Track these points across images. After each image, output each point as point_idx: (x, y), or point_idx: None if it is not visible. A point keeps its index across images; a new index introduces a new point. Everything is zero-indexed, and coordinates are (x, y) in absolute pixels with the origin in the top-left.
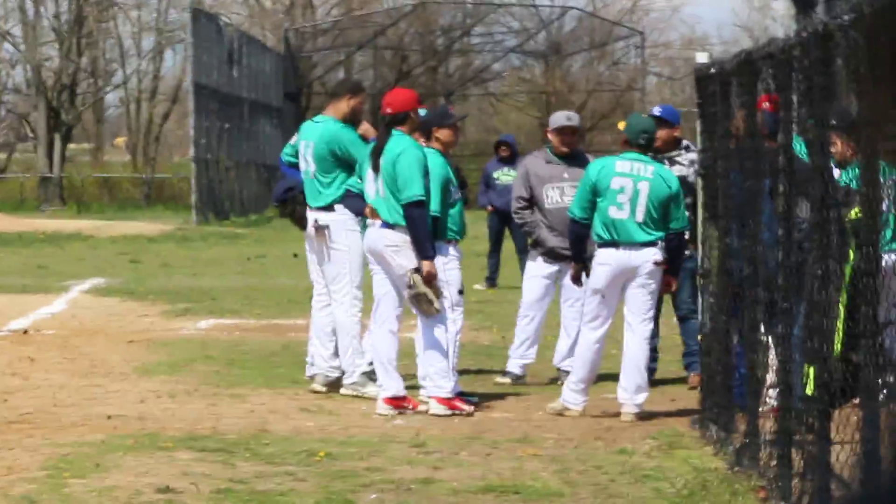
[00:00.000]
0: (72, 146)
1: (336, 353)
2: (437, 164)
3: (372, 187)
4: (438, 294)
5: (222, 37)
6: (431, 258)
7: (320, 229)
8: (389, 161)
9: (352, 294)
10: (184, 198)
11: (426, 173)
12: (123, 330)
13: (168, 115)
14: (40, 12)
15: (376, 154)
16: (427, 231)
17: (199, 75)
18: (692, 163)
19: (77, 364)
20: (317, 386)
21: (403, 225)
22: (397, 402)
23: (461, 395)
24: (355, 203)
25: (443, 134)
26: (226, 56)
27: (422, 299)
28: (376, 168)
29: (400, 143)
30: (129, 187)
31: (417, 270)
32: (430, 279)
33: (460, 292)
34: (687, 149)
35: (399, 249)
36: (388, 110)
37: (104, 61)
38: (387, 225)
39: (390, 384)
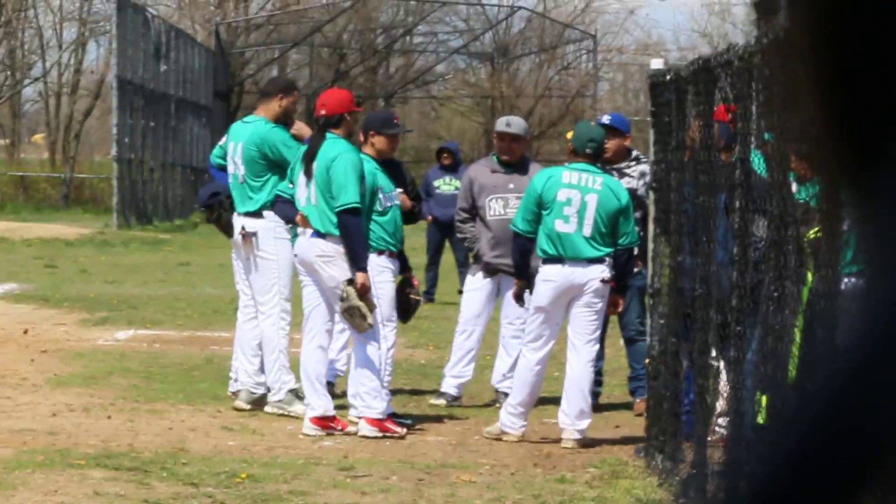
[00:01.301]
0: None
1: (261, 369)
2: (366, 170)
3: (303, 193)
4: (372, 308)
5: (149, 29)
6: (365, 269)
7: (248, 236)
8: (323, 166)
9: (280, 306)
10: (104, 200)
11: (362, 179)
12: (36, 339)
13: (90, 112)
14: None
15: (309, 158)
16: (362, 240)
17: (123, 70)
18: (643, 175)
19: None
20: (240, 403)
21: (336, 234)
22: (325, 423)
23: (393, 417)
24: (286, 209)
25: (379, 141)
26: (153, 50)
27: (355, 313)
28: (308, 173)
29: (334, 146)
30: (47, 187)
31: (351, 282)
32: (364, 292)
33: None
34: (637, 160)
35: (331, 260)
36: (323, 112)
37: (22, 52)
38: (318, 234)
39: (318, 403)
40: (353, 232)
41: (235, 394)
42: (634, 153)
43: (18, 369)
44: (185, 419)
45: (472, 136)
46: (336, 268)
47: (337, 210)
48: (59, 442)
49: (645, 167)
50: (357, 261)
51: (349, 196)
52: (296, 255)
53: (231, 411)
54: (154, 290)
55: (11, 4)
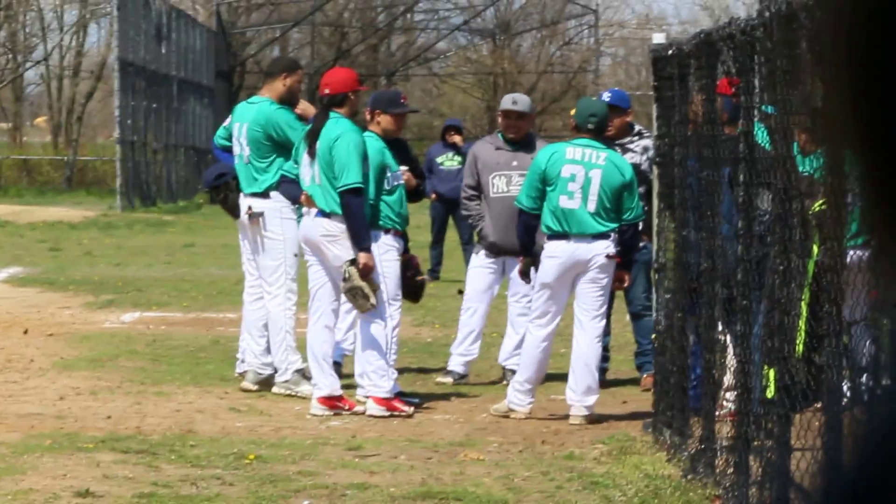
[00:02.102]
0: None
1: (268, 350)
2: (374, 148)
3: (307, 173)
4: (375, 288)
5: (150, 11)
6: (368, 249)
7: (254, 217)
8: (326, 146)
9: (286, 286)
10: (108, 182)
11: (365, 159)
12: (42, 322)
13: (92, 94)
14: None
15: (312, 137)
16: (364, 220)
17: (125, 51)
18: (646, 149)
19: None
20: (247, 384)
21: (340, 214)
22: (332, 402)
23: (400, 396)
24: (291, 189)
25: (385, 120)
26: (154, 31)
27: (357, 293)
28: (312, 152)
29: (338, 126)
30: (50, 170)
31: (353, 262)
32: (367, 272)
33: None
34: (640, 135)
35: (336, 239)
36: (326, 91)
37: (24, 35)
38: (323, 213)
39: (325, 383)
40: (355, 212)
41: (242, 375)
42: (637, 128)
43: (25, 353)
44: (193, 401)
45: (474, 113)
46: (341, 247)
47: (340, 190)
48: (67, 425)
49: (648, 142)
50: (359, 241)
51: (352, 176)
52: (301, 235)
53: (238, 392)
54: (159, 272)
55: None
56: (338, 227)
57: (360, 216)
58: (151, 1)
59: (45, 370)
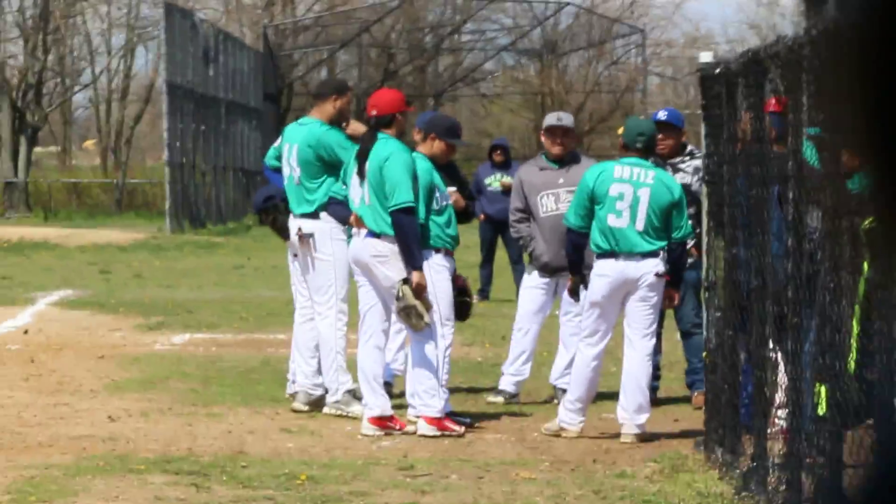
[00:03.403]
0: (38, 149)
1: (319, 370)
2: (423, 168)
3: (357, 193)
4: (429, 307)
5: (197, 34)
6: (421, 269)
7: (304, 238)
8: (376, 166)
9: (337, 307)
10: (157, 204)
11: (415, 179)
12: (93, 344)
13: (140, 117)
14: (3, 6)
15: (362, 158)
16: (417, 239)
17: (173, 74)
18: (697, 170)
19: (43, 381)
20: (298, 404)
21: (391, 234)
22: (383, 423)
23: (451, 415)
24: (340, 210)
25: (438, 146)
26: (201, 54)
27: (411, 313)
28: (361, 173)
29: (387, 146)
30: (99, 193)
31: (406, 282)
32: (420, 291)
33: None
34: (692, 155)
35: (386, 260)
36: (374, 112)
37: (72, 59)
38: (372, 234)
39: (376, 403)
40: (407, 231)
41: (293, 395)
42: (689, 148)
43: (76, 376)
44: (244, 422)
45: (521, 133)
46: (391, 267)
47: (391, 210)
48: (119, 447)
49: (699, 162)
50: (412, 260)
51: (403, 195)
52: (351, 256)
53: (289, 413)
54: (209, 294)
55: (60, 12)
56: (388, 248)
57: (412, 235)
58: (199, 24)
59: (96, 392)
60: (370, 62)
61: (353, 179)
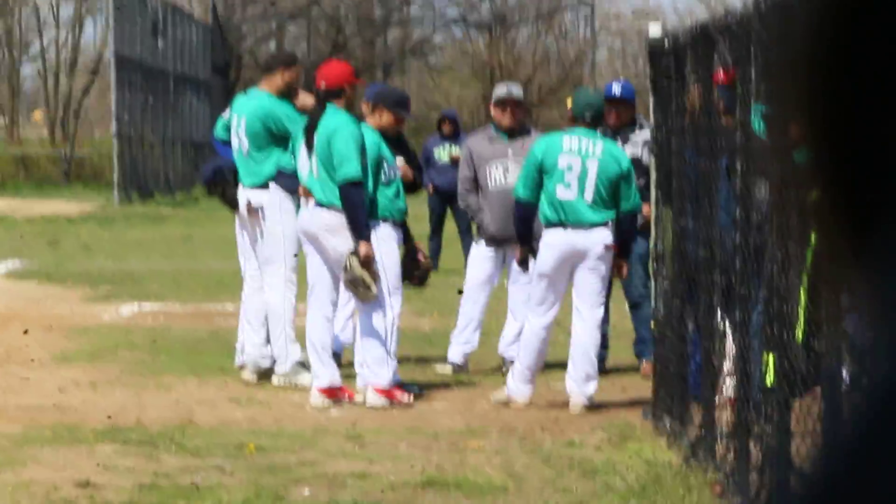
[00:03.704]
0: None
1: (268, 341)
2: (371, 140)
3: (305, 165)
4: (376, 278)
5: (146, 6)
6: (368, 240)
7: (253, 210)
8: (324, 138)
9: (286, 278)
10: (105, 176)
11: (363, 151)
12: (41, 315)
13: (88, 89)
14: None
15: (310, 130)
16: (364, 212)
17: (121, 47)
18: (646, 142)
19: None
20: (247, 375)
21: (339, 205)
22: (332, 392)
23: (400, 385)
24: (289, 182)
25: (386, 117)
26: (149, 27)
27: (359, 283)
28: (310, 145)
29: (335, 118)
30: (47, 165)
31: (354, 253)
32: (368, 262)
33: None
34: (641, 126)
35: (335, 231)
36: (323, 84)
37: (20, 31)
38: (321, 205)
39: (325, 373)
40: (355, 204)
41: (242, 366)
42: (638, 120)
43: (24, 346)
44: (192, 392)
45: (470, 105)
46: (340, 238)
47: (339, 183)
48: (67, 417)
49: (648, 134)
50: (359, 231)
51: (350, 169)
52: (300, 227)
53: (238, 383)
54: (157, 265)
55: None
56: (337, 219)
57: (359, 207)
58: None
59: (44, 363)
60: (319, 35)
61: (302, 151)
